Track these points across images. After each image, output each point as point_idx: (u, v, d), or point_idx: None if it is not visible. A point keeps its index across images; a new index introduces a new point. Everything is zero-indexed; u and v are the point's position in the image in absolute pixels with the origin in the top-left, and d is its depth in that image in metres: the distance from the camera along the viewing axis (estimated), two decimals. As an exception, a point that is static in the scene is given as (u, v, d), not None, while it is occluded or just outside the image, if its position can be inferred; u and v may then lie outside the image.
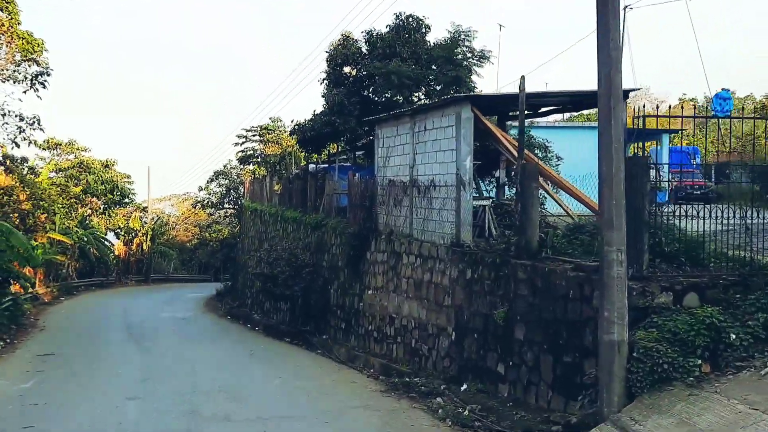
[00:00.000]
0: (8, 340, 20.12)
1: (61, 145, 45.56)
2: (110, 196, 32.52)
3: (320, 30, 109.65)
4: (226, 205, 49.82)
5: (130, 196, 57.82)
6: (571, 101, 16.14)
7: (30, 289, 27.10)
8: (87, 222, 46.34)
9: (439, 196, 14.65)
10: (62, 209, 42.98)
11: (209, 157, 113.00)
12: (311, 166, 26.87)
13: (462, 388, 12.22)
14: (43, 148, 44.01)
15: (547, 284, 10.38)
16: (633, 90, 15.06)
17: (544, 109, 16.97)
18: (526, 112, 13.87)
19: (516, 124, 15.13)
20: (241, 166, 46.07)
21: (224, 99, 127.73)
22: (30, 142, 22.90)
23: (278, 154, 33.20)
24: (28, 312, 27.94)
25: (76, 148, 45.66)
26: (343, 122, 21.96)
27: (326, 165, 26.13)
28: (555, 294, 10.13)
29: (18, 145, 22.87)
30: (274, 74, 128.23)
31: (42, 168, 30.85)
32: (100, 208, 31.76)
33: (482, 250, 12.97)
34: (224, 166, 49.36)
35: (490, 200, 15.15)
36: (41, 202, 26.83)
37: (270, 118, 38.90)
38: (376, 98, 23.20)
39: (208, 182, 49.63)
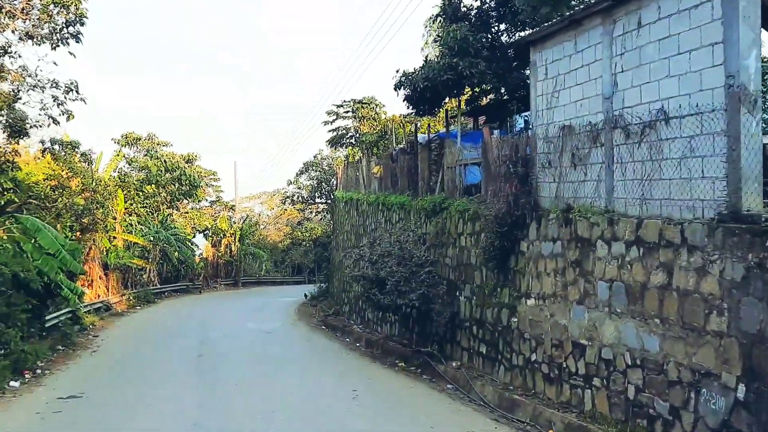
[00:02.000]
0: (38, 371, 15.32)
1: (140, 139, 41.94)
2: (177, 186, 27.92)
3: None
4: (318, 200, 44.80)
5: (214, 191, 54.14)
6: None
7: (81, 298, 22.49)
8: (169, 222, 42.51)
9: (679, 135, 8.27)
10: (142, 208, 39.23)
11: (290, 147, 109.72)
12: (422, 137, 20.90)
13: None
14: (122, 144, 40.50)
15: None
16: None
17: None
18: None
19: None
20: (333, 150, 40.91)
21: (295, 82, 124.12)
22: (68, 117, 17.88)
23: (375, 132, 27.62)
24: (89, 327, 23.54)
25: (156, 143, 41.95)
26: (468, 65, 15.85)
27: (441, 134, 20.04)
28: None
29: (57, 122, 18.16)
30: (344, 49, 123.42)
31: (96, 155, 26.55)
32: (166, 201, 27.49)
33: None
34: (314, 157, 44.43)
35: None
36: (96, 195, 22.35)
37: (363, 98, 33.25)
38: (510, 37, 17.01)
39: (297, 175, 44.87)
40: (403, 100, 17.56)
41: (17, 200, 19.96)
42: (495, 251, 12.98)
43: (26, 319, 16.85)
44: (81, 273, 21.30)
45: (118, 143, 40.40)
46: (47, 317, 19.87)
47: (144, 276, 37.86)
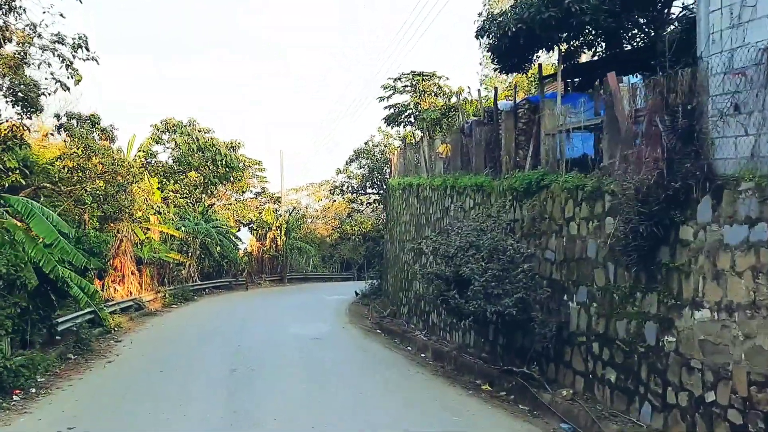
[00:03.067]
0: (32, 390, 12.22)
1: (181, 125, 39.17)
2: (212, 169, 24.34)
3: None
4: (369, 191, 41.33)
5: (259, 182, 51.31)
6: None
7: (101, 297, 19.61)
8: (210, 214, 39.66)
9: None
10: (182, 199, 36.44)
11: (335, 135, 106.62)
12: (503, 103, 17.07)
13: None
14: (161, 131, 37.79)
15: None
16: None
17: None
18: None
19: None
20: (387, 132, 37.44)
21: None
22: (76, 80, 14.73)
23: (438, 109, 23.89)
24: (114, 330, 20.57)
25: (197, 129, 39.15)
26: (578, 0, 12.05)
27: (531, 98, 16.11)
28: None
29: (65, 87, 15.06)
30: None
31: (125, 138, 23.32)
32: (200, 185, 24.00)
33: None
34: (365, 144, 40.94)
35: None
36: (118, 177, 19.24)
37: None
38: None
39: (346, 164, 41.46)
40: (487, 51, 13.86)
41: (26, 182, 17.00)
42: (635, 241, 9.16)
43: (27, 323, 13.85)
44: (98, 267, 18.28)
45: (158, 129, 37.67)
46: (59, 320, 16.92)
47: (182, 272, 35.06)
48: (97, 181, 19.33)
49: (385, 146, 40.19)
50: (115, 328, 21.15)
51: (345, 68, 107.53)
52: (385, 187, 39.26)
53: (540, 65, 15.24)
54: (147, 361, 16.14)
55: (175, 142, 17.52)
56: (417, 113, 23.43)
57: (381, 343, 19.63)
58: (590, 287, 10.82)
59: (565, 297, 11.61)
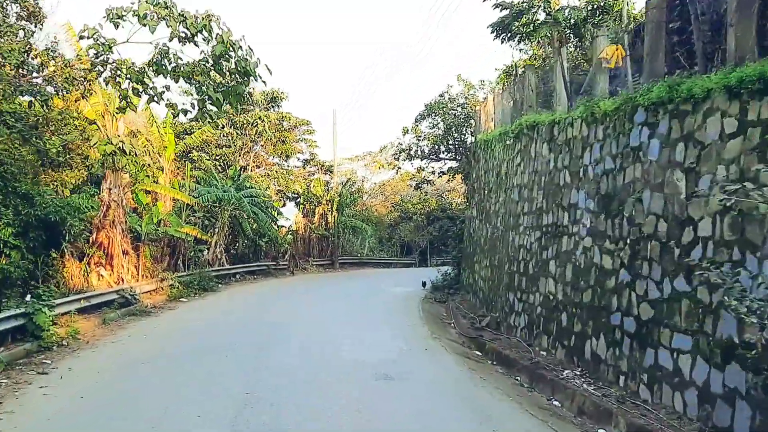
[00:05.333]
0: None
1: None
2: (216, 76, 15.91)
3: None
4: (443, 155, 32.56)
5: (308, 147, 43.18)
6: None
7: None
8: (244, 180, 31.67)
9: None
10: (208, 160, 28.59)
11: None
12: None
13: None
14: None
15: None
16: None
17: None
18: None
19: None
20: (470, 80, 28.73)
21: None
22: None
23: (582, 7, 14.98)
24: (57, 345, 12.61)
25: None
26: None
27: None
28: None
29: None
30: None
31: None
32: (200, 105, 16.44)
33: None
34: (440, 96, 32.05)
35: None
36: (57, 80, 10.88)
37: None
38: None
39: (416, 121, 32.67)
40: None
41: None
42: None
43: None
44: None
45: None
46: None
47: (205, 253, 27.18)
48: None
49: (467, 99, 31.31)
50: (64, 341, 13.17)
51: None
52: (465, 148, 30.51)
53: None
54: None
55: (138, 17, 9.84)
56: (547, 17, 14.66)
57: (505, 390, 10.95)
58: None
59: None
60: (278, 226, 38.59)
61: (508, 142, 17.70)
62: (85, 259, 18.76)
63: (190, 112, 12.39)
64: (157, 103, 12.22)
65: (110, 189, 18.91)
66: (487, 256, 20.27)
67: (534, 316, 14.30)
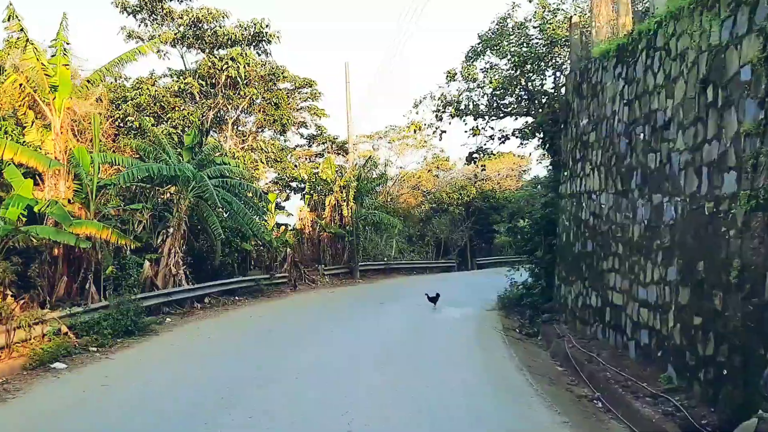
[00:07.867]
0: None
1: None
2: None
3: None
4: (509, 109, 21.76)
5: (311, 115, 32.68)
6: None
7: None
8: (209, 152, 21.32)
9: None
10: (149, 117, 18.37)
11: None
12: None
13: None
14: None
15: None
16: None
17: None
18: None
19: None
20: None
21: None
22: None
23: None
24: None
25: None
26: None
27: None
28: None
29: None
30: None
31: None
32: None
33: None
34: (500, 22, 21.35)
35: None
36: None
37: None
38: None
39: (466, 61, 21.91)
40: None
41: None
42: None
43: None
44: None
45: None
46: None
47: (147, 267, 16.83)
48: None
49: (543, 21, 20.57)
50: None
51: None
52: (548, 97, 19.95)
53: None
54: None
55: None
56: None
57: None
58: None
59: None
60: (277, 225, 28.32)
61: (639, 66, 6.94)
62: None
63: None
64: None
65: None
66: (649, 258, 9.60)
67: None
